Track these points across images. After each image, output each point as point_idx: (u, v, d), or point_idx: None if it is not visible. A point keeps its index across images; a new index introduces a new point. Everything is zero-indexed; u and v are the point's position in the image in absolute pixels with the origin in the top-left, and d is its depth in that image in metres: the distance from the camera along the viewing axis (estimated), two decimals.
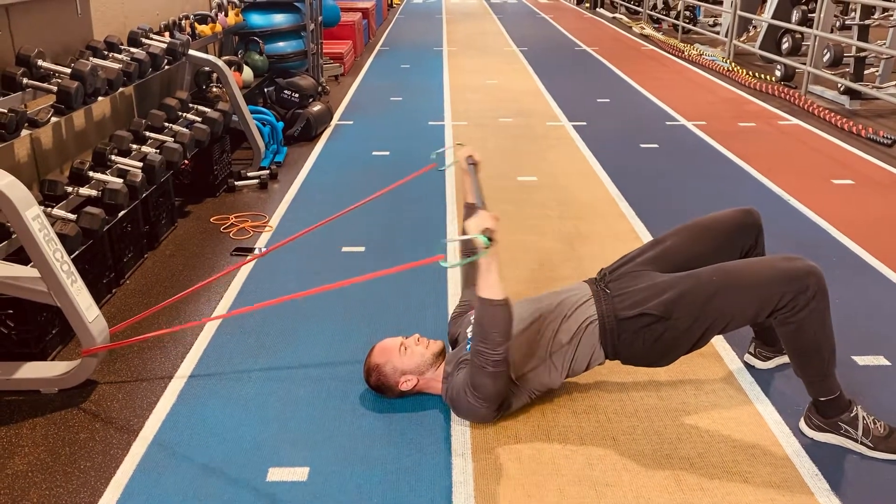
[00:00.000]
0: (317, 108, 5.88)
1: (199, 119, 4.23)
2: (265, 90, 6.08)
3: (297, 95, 5.81)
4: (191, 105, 4.41)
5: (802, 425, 2.37)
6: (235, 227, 4.04)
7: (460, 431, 2.37)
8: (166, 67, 4.28)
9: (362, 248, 3.78)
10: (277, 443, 2.32)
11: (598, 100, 7.25)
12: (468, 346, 2.41)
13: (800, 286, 2.14)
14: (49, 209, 2.92)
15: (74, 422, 2.43)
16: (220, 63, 4.64)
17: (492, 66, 9.11)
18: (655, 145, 5.63)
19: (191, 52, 4.59)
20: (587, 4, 16.99)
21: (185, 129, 3.99)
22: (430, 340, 2.52)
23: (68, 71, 3.20)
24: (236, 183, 4.64)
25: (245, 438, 2.33)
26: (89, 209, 2.89)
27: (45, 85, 3.13)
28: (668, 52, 10.20)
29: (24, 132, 2.88)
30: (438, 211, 4.30)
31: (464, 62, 9.44)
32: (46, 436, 2.36)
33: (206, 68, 4.79)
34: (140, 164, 3.45)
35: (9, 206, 2.34)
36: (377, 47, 10.83)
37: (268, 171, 4.80)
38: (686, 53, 9.77)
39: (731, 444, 2.32)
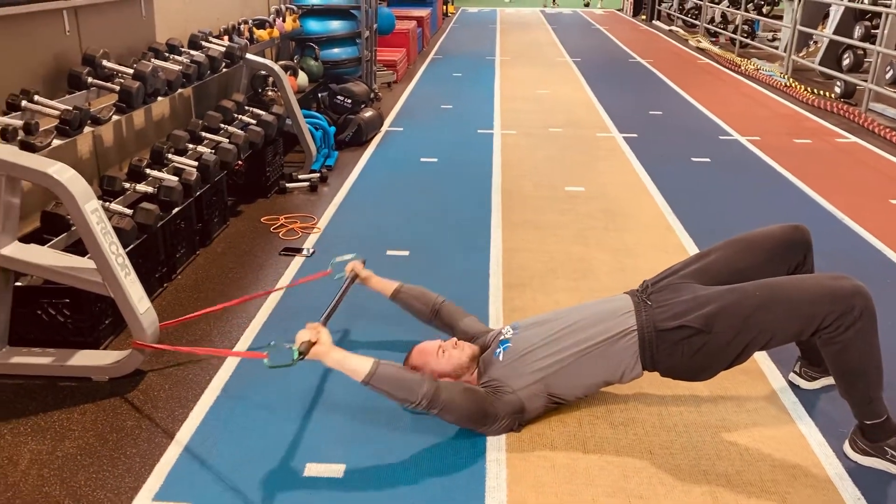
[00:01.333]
0: (368, 114, 5.96)
1: (253, 122, 4.34)
2: (319, 95, 6.18)
3: (349, 101, 5.90)
4: (246, 108, 4.52)
5: (847, 448, 2.32)
6: (285, 227, 4.12)
7: (496, 437, 2.38)
8: (224, 70, 4.40)
9: (406, 252, 3.82)
10: (316, 439, 2.36)
11: (651, 112, 7.19)
12: (496, 352, 2.43)
13: (845, 306, 2.10)
14: (107, 204, 3.03)
15: (122, 409, 2.51)
16: (275, 67, 4.75)
17: (544, 77, 9.11)
18: (707, 159, 5.56)
19: (248, 55, 4.70)
20: (643, 17, 16.85)
21: (239, 131, 4.10)
22: (467, 344, 2.54)
23: (131, 71, 3.32)
24: (287, 185, 4.73)
25: (285, 432, 2.38)
26: (145, 205, 2.99)
27: (108, 84, 3.25)
28: (725, 67, 10.06)
29: (87, 129, 2.99)
30: (483, 213, 4.32)
31: (515, 72, 9.46)
32: (96, 421, 2.45)
33: (263, 72, 4.90)
34: (195, 164, 3.55)
35: (70, 199, 2.44)
36: (431, 55, 10.92)
37: (318, 175, 4.89)
38: (743, 68, 9.61)
39: (770, 464, 2.28)
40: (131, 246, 2.91)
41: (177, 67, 3.77)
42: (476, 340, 2.63)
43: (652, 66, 9.93)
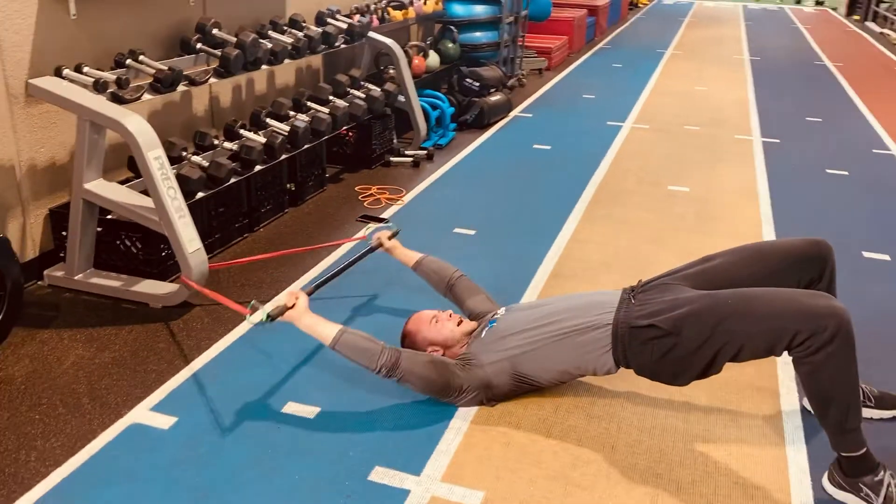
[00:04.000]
0: (494, 98, 6.08)
1: (362, 96, 4.62)
2: (454, 77, 6.38)
3: (477, 84, 6.05)
4: (362, 83, 4.81)
5: (825, 480, 2.17)
6: (373, 197, 4.38)
7: (466, 408, 2.47)
8: (341, 46, 4.72)
9: (473, 232, 3.93)
10: (305, 383, 2.58)
11: (808, 118, 6.69)
12: (483, 330, 2.51)
13: (816, 326, 1.97)
14: (195, 155, 3.42)
15: (160, 333, 2.88)
16: (394, 46, 5.00)
17: (708, 73, 8.71)
18: (845, 172, 5.13)
19: (371, 34, 4.99)
20: (857, 17, 15.41)
21: (343, 103, 4.39)
22: (463, 319, 2.64)
23: (234, 40, 3.70)
24: (392, 158, 4.99)
25: (280, 374, 2.63)
26: (219, 160, 3.34)
27: (212, 50, 3.64)
28: None
29: (188, 88, 3.39)
30: (569, 202, 4.32)
31: (681, 66, 9.12)
32: (136, 339, 2.83)
33: (385, 51, 5.18)
34: (287, 129, 3.88)
35: (136, 145, 2.82)
36: (599, 45, 10.77)
37: (425, 152, 5.10)
38: None
39: (733, 480, 2.19)
40: (202, 195, 3.28)
41: (288, 40, 4.13)
42: (479, 318, 2.72)
43: (837, 71, 9.15)
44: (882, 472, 2.05)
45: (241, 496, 2.07)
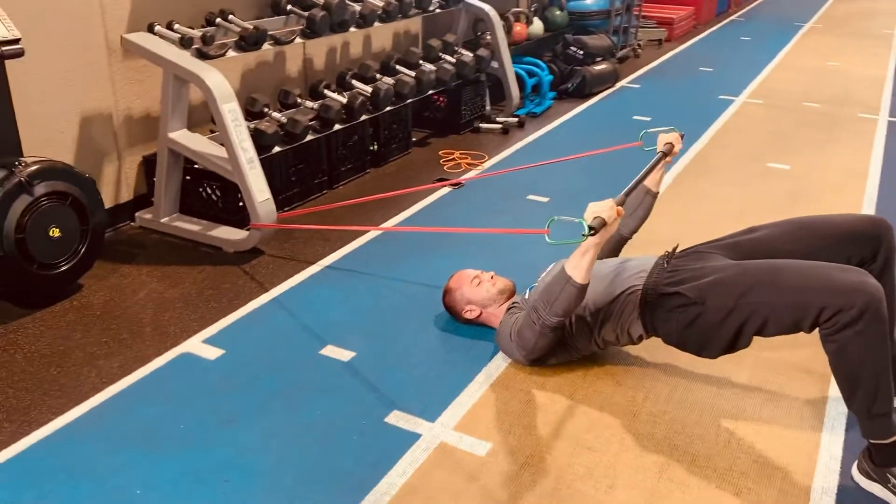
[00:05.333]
0: (599, 67, 5.95)
1: (452, 61, 4.66)
2: (559, 44, 6.29)
3: (581, 53, 5.94)
4: (456, 48, 4.85)
5: (854, 468, 2.05)
6: (454, 161, 4.43)
7: (496, 366, 2.51)
8: (437, 11, 4.78)
9: (547, 199, 3.91)
10: (350, 328, 2.70)
11: None
12: (526, 293, 2.51)
13: (844, 302, 1.86)
14: (277, 112, 3.60)
15: (228, 274, 3.09)
16: (490, 12, 5.00)
17: (847, 48, 8.09)
18: None
19: (468, 0, 5.01)
20: None
21: (431, 68, 4.46)
22: (501, 279, 2.66)
23: (322, 2, 3.84)
24: (480, 125, 5.01)
25: (328, 320, 2.76)
26: (296, 117, 3.50)
27: (300, 11, 3.80)
28: None
29: (268, 47, 3.56)
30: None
31: (816, 41, 8.52)
32: (205, 279, 3.05)
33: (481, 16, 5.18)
34: (369, 91, 3.99)
35: (212, 98, 3.02)
36: (732, 17, 10.23)
37: (516, 120, 5.09)
38: None
39: (753, 458, 2.11)
40: (279, 149, 3.45)
41: (379, 3, 4.22)
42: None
43: None
44: None
45: (262, 424, 2.21)
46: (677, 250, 2.37)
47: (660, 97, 5.97)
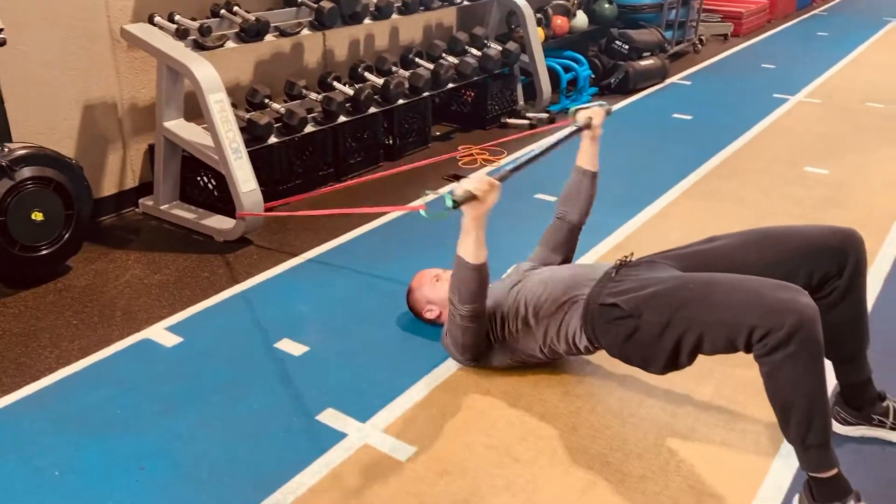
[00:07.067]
0: (645, 63, 5.73)
1: (477, 54, 4.58)
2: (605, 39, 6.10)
3: (627, 47, 5.73)
4: (486, 41, 4.76)
5: (795, 500, 1.89)
6: (470, 156, 4.36)
7: (445, 368, 2.43)
8: (465, 3, 4.70)
9: (554, 199, 3.78)
10: (310, 323, 2.69)
11: None
12: None
13: (774, 323, 1.70)
14: (282, 103, 3.62)
15: (211, 263, 3.13)
16: (522, 5, 4.88)
17: None
18: None
19: None
20: None
21: (453, 61, 4.39)
22: None
23: None
24: (507, 120, 4.91)
25: (291, 313, 2.75)
26: (295, 110, 3.51)
27: (310, 3, 3.80)
28: None
29: (272, 38, 3.58)
30: (678, 176, 4.01)
31: None
32: (187, 267, 3.09)
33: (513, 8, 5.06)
34: (381, 82, 3.96)
35: (199, 89, 3.05)
36: (814, 11, 9.68)
37: (546, 116, 4.96)
38: None
39: (690, 483, 1.97)
40: (275, 140, 3.47)
41: None
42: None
43: None
44: (852, 502, 1.74)
45: (198, 414, 2.22)
46: (631, 258, 2.23)
47: (708, 95, 5.70)
